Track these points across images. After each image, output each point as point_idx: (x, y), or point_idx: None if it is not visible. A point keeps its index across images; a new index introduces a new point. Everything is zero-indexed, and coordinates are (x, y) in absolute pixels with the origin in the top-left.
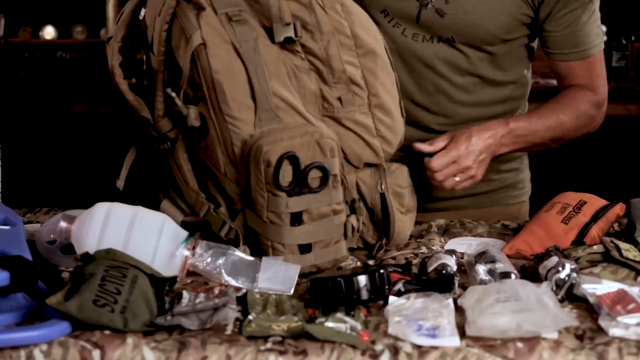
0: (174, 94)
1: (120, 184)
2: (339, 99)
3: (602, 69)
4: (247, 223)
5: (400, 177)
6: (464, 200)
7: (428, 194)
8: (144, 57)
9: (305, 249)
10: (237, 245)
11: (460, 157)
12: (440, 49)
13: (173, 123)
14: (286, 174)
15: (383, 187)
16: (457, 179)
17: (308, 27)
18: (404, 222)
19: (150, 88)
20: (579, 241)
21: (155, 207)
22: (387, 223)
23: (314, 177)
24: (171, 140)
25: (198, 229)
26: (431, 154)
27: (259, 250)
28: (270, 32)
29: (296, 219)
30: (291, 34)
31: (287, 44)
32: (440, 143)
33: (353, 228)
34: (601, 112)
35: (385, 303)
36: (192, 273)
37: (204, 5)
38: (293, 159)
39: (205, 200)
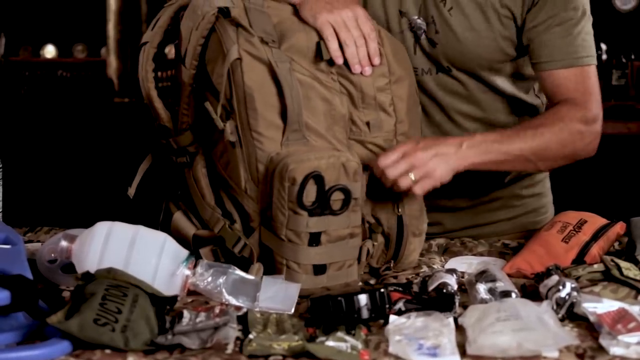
0: (210, 108)
1: (131, 191)
2: (367, 123)
3: (595, 84)
4: (261, 241)
5: (416, 200)
6: (487, 228)
7: (451, 221)
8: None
9: (319, 270)
10: (250, 263)
11: (409, 151)
12: (440, 80)
13: (194, 137)
14: (310, 194)
15: (400, 210)
16: (412, 176)
17: None
18: (414, 245)
19: (176, 100)
20: (579, 260)
21: (159, 217)
22: (399, 246)
23: (336, 199)
24: (190, 154)
25: (209, 243)
26: None
27: (271, 269)
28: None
29: (314, 239)
30: None
31: (322, 65)
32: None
33: (368, 252)
34: (593, 130)
35: (386, 322)
36: (192, 292)
37: (243, 23)
38: (318, 178)
39: (221, 216)
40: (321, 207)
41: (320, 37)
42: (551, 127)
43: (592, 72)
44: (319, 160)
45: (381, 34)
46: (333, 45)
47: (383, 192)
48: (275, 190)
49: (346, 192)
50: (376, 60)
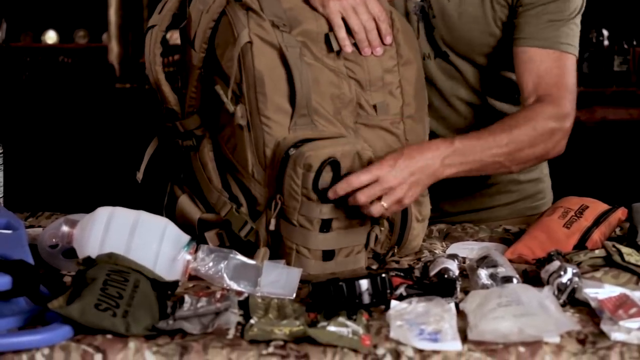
0: (221, 92)
1: (139, 176)
2: (374, 106)
3: (571, 77)
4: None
5: None
6: (484, 213)
7: (448, 206)
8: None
9: (328, 256)
10: (255, 248)
11: (383, 176)
12: (439, 64)
13: (201, 121)
14: (324, 180)
15: None
16: (383, 203)
17: None
18: (417, 230)
19: (183, 84)
20: (580, 245)
21: (163, 200)
22: (402, 231)
23: None
24: (197, 138)
25: (215, 227)
26: None
27: (276, 254)
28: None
29: (325, 225)
30: None
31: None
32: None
33: (376, 238)
34: (564, 127)
35: (387, 307)
36: (194, 277)
37: (254, 7)
38: (335, 165)
39: (228, 199)
40: None
41: (330, 25)
42: (524, 127)
43: (571, 62)
44: (335, 148)
45: (392, 15)
46: (341, 34)
47: None
48: (287, 176)
49: None
50: (388, 40)
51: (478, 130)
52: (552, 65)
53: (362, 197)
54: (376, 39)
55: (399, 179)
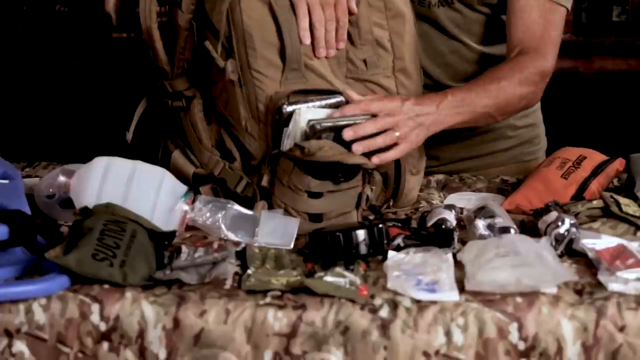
0: (211, 47)
1: (129, 136)
2: (364, 61)
3: (558, 31)
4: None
5: None
6: (482, 159)
7: (447, 153)
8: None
9: (316, 218)
10: (251, 203)
11: (393, 108)
12: (446, 12)
13: (190, 83)
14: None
15: None
16: (397, 133)
17: None
18: (412, 184)
19: (172, 45)
20: (578, 196)
21: (157, 155)
22: (397, 184)
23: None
24: (187, 98)
25: (209, 181)
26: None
27: (270, 206)
28: None
29: (316, 195)
30: None
31: None
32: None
33: (368, 198)
34: (545, 82)
35: (385, 258)
36: (191, 227)
37: None
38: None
39: (219, 158)
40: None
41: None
42: (511, 79)
43: (559, 15)
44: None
45: None
46: (302, 25)
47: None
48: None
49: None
50: (340, 45)
51: (467, 83)
52: (540, 16)
53: (371, 126)
54: (331, 40)
55: (409, 122)
